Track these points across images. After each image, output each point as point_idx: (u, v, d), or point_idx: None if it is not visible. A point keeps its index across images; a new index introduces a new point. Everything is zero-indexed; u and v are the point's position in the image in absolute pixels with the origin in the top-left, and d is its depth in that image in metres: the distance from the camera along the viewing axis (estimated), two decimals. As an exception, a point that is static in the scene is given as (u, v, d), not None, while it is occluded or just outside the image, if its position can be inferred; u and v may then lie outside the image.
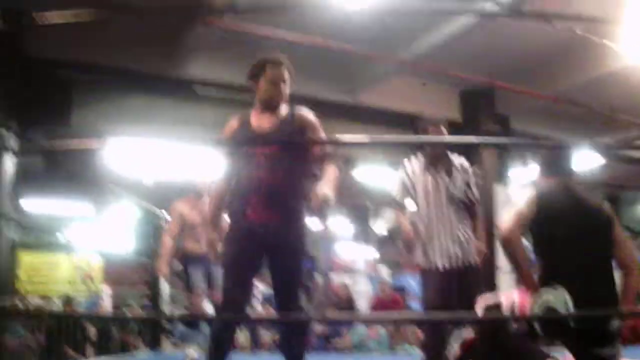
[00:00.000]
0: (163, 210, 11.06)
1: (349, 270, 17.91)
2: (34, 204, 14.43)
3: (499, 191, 10.43)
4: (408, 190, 5.60)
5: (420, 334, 9.07)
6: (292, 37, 7.78)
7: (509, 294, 3.99)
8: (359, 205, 17.49)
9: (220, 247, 4.32)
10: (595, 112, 10.25)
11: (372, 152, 11.43)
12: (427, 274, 5.48)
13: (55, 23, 6.26)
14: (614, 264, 3.93)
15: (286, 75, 4.31)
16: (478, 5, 7.70)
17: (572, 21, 7.49)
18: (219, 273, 5.81)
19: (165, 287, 12.98)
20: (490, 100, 10.68)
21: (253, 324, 9.78)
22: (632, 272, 3.96)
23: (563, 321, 3.58)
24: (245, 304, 4.20)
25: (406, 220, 5.55)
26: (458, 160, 5.58)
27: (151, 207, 11.86)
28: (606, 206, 4.13)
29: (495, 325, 4.07)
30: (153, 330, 12.99)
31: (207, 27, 8.04)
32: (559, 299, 3.55)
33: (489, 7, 7.51)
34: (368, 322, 10.81)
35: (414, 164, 5.64)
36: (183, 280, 7.44)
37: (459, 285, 5.32)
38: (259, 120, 4.27)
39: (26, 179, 12.15)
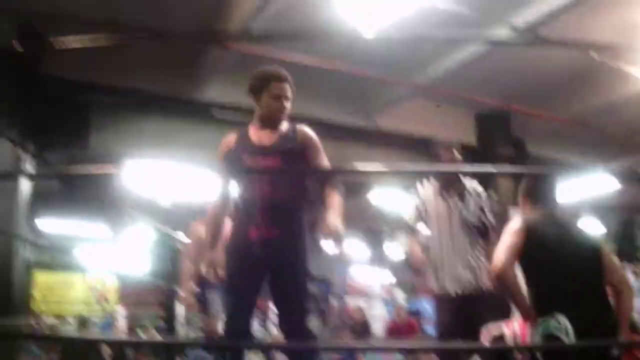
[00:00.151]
0: (180, 233, 11.08)
1: (364, 294, 17.88)
2: (50, 224, 14.48)
3: (515, 215, 10.38)
4: (421, 214, 5.60)
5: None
6: (308, 61, 7.82)
7: (510, 324, 3.99)
8: (374, 228, 17.47)
9: (219, 267, 4.18)
10: (611, 135, 10.23)
11: (387, 177, 11.43)
12: (440, 299, 5.48)
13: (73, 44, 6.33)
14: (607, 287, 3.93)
15: (290, 91, 4.19)
16: (494, 31, 7.72)
17: (588, 48, 7.49)
18: None
19: (180, 309, 12.98)
20: (506, 123, 10.67)
21: (264, 350, 9.74)
22: (624, 292, 3.95)
23: (565, 350, 3.56)
24: (250, 326, 4.11)
25: (418, 245, 5.55)
26: (471, 184, 5.58)
27: (167, 229, 11.90)
28: (592, 232, 4.13)
29: (501, 355, 4.07)
30: (167, 351, 12.96)
31: (224, 50, 8.09)
32: (558, 325, 3.54)
33: (505, 33, 7.53)
34: (380, 349, 10.77)
35: (427, 189, 5.64)
36: (200, 303, 7.36)
37: (470, 310, 5.29)
38: (259, 136, 4.18)
39: (43, 200, 12.24)
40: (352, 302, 15.41)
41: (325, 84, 9.30)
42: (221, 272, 4.16)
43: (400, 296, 17.45)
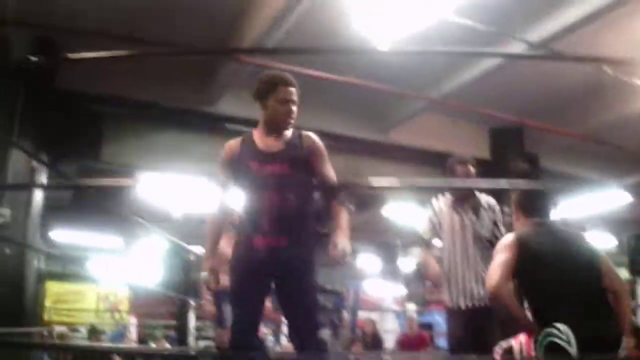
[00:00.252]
0: (198, 246, 11.12)
1: (376, 307, 17.85)
2: (62, 235, 14.53)
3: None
4: (435, 227, 5.60)
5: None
6: (323, 75, 7.83)
7: (517, 338, 3.97)
8: (387, 242, 17.46)
9: (221, 274, 4.06)
10: (625, 150, 10.19)
11: (400, 191, 11.44)
12: (452, 312, 5.47)
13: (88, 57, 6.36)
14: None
15: (296, 96, 4.07)
16: (508, 46, 7.72)
17: (601, 63, 7.48)
18: None
19: (192, 319, 13.01)
20: (520, 138, 10.66)
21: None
22: (622, 296, 3.93)
23: (569, 358, 3.54)
24: (256, 336, 4.07)
25: (433, 259, 5.55)
26: (485, 199, 5.56)
27: (179, 241, 11.93)
28: (588, 239, 4.10)
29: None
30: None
31: (238, 63, 8.11)
32: (560, 334, 3.53)
33: (519, 48, 7.53)
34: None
35: (441, 203, 5.64)
36: (217, 314, 7.34)
37: (482, 324, 5.28)
38: (265, 142, 4.08)
39: (56, 210, 12.29)
40: (364, 315, 15.35)
41: (339, 98, 9.33)
42: (221, 280, 4.08)
43: (412, 309, 17.43)
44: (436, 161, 10.18)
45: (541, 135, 10.35)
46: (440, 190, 5.81)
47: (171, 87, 9.14)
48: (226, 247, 4.71)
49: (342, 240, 3.91)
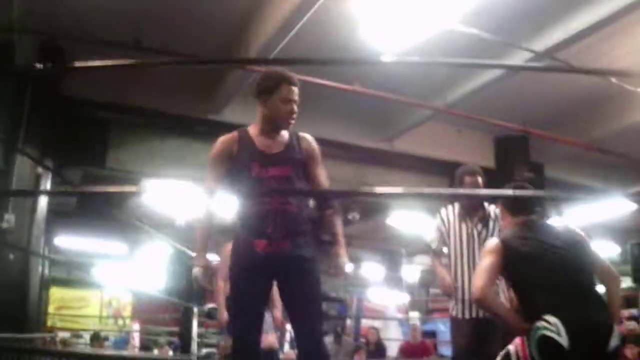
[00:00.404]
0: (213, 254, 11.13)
1: (380, 315, 17.84)
2: (67, 241, 14.57)
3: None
4: (443, 237, 5.60)
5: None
6: (328, 84, 7.82)
7: (513, 343, 4.00)
8: (391, 250, 17.46)
9: (212, 274, 3.97)
10: (630, 159, 10.17)
11: (406, 199, 11.44)
12: (456, 321, 5.47)
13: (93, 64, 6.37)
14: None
15: (298, 96, 3.95)
16: (513, 55, 7.72)
17: (607, 72, 7.48)
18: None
19: (194, 326, 13.00)
20: (525, 147, 10.64)
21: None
22: (611, 283, 3.99)
23: (560, 349, 3.54)
24: (259, 342, 3.96)
25: (444, 268, 5.56)
26: (494, 209, 5.56)
27: (183, 248, 11.94)
28: (575, 229, 4.11)
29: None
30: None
31: (244, 71, 8.10)
32: (549, 326, 3.53)
33: (525, 57, 7.53)
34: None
35: (450, 213, 5.64)
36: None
37: (486, 333, 5.28)
38: (264, 143, 3.96)
39: (60, 216, 12.31)
40: (368, 323, 15.35)
41: (345, 107, 9.33)
42: (214, 280, 3.97)
43: (416, 317, 17.42)
44: (441, 170, 10.22)
45: (546, 144, 10.32)
46: (446, 199, 5.81)
47: (177, 95, 9.15)
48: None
49: (343, 254, 3.92)
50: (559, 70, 7.92)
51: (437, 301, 18.72)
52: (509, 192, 3.56)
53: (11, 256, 7.73)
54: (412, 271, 19.00)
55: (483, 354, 5.02)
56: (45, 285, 12.90)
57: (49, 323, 16.03)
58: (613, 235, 13.62)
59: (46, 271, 12.62)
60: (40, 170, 8.10)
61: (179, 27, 7.83)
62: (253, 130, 4.03)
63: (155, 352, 14.79)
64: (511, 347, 3.97)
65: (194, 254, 4.13)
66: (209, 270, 3.99)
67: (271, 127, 3.97)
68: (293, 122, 3.97)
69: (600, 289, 3.97)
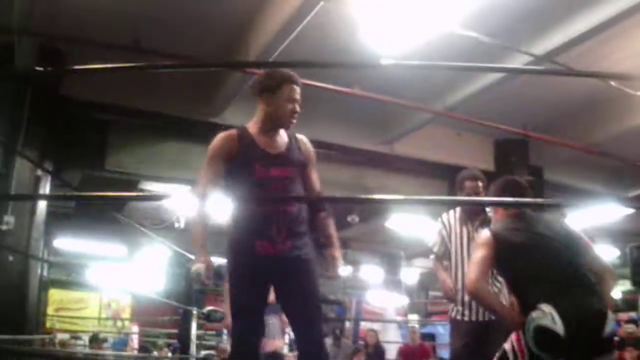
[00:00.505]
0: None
1: (379, 317, 17.82)
2: (66, 243, 14.56)
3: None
4: (444, 241, 5.60)
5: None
6: (328, 87, 7.82)
7: (509, 340, 4.00)
8: (390, 253, 17.46)
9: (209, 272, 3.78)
10: (629, 162, 10.18)
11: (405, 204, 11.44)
12: (456, 324, 5.47)
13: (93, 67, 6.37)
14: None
15: (300, 96, 3.92)
16: (513, 59, 7.72)
17: (606, 75, 7.47)
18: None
19: (193, 328, 13.00)
20: (524, 151, 10.64)
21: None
22: (605, 276, 3.94)
23: (556, 337, 3.54)
24: (259, 344, 3.95)
25: (445, 272, 5.55)
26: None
27: (182, 250, 11.96)
28: (566, 222, 4.12)
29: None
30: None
31: (244, 74, 8.10)
32: (543, 315, 3.54)
33: (524, 60, 7.53)
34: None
35: (451, 217, 5.63)
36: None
37: (485, 337, 5.27)
38: (265, 142, 3.90)
39: (59, 218, 12.31)
40: (366, 325, 15.34)
41: (344, 110, 9.33)
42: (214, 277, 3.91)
43: (414, 320, 17.42)
44: (441, 173, 10.22)
45: (545, 147, 10.33)
46: (445, 205, 5.81)
47: (176, 97, 9.16)
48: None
49: (337, 256, 3.94)
50: (558, 74, 7.91)
51: (436, 304, 18.75)
52: (507, 199, 3.56)
53: (10, 258, 7.73)
54: (411, 274, 19.00)
55: (482, 356, 5.02)
56: (44, 287, 12.92)
57: (48, 324, 16.04)
58: (612, 238, 13.62)
59: (45, 273, 12.63)
60: (39, 172, 8.10)
61: (178, 29, 7.83)
62: (252, 128, 3.97)
63: (154, 354, 14.79)
64: (506, 345, 3.96)
65: (192, 257, 4.07)
66: (211, 267, 3.84)
67: (272, 125, 3.93)
68: (294, 121, 3.92)
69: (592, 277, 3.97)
